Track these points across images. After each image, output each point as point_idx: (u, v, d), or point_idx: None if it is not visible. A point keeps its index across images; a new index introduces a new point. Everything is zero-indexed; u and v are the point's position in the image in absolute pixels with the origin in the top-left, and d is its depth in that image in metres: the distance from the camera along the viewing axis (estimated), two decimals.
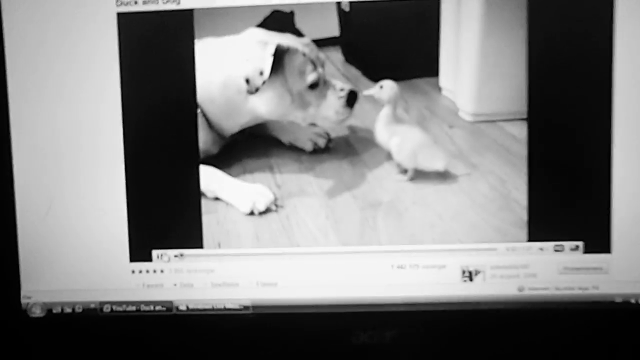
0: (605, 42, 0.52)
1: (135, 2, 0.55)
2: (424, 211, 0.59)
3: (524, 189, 0.55)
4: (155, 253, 0.56)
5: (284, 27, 0.62)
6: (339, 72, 0.72)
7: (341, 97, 0.66)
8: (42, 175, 0.56)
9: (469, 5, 0.62)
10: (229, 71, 0.64)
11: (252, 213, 0.60)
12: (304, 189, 0.63)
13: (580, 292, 0.54)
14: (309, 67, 0.64)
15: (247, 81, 0.62)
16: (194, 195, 0.56)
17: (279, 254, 0.57)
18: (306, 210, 0.60)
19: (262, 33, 0.63)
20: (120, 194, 0.56)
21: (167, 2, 0.55)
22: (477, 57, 0.64)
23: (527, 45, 0.54)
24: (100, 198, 0.56)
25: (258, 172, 0.65)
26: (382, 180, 0.63)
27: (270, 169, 0.66)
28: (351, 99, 0.66)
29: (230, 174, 0.63)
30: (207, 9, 0.55)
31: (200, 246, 0.56)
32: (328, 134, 0.69)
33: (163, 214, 0.56)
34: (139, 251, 0.56)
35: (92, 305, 0.57)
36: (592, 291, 0.54)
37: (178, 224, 0.56)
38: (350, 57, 0.73)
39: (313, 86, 0.65)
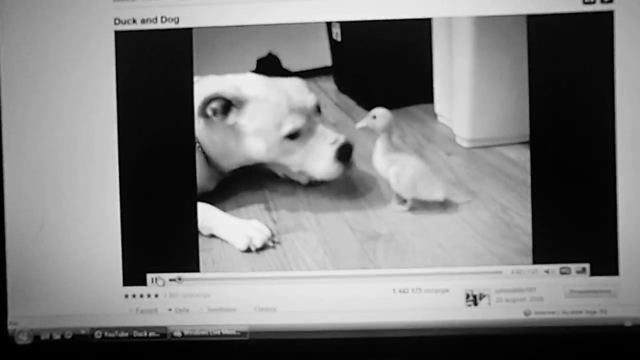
0: (606, 63, 0.52)
1: (134, 21, 0.54)
2: (425, 242, 0.57)
3: (526, 215, 0.54)
4: (149, 277, 0.54)
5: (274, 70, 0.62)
6: (332, 102, 0.71)
7: (331, 151, 0.63)
8: (33, 195, 0.55)
9: (460, 31, 0.62)
10: None
11: (248, 250, 0.59)
12: (300, 223, 0.62)
13: (588, 316, 0.53)
14: (287, 117, 0.62)
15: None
16: (190, 216, 0.55)
17: (277, 278, 0.55)
18: (304, 245, 0.59)
19: (245, 77, 0.62)
20: (114, 215, 0.54)
21: (165, 21, 0.54)
22: (471, 82, 0.64)
23: (528, 69, 0.53)
24: (94, 219, 0.54)
25: (253, 207, 0.64)
26: (381, 212, 0.62)
27: (266, 203, 0.65)
28: (343, 153, 0.63)
29: (224, 209, 0.62)
30: (206, 28, 0.55)
31: (197, 269, 0.55)
32: None
33: (158, 235, 0.55)
34: (133, 275, 0.54)
35: (83, 332, 0.55)
36: (600, 315, 0.53)
37: (173, 246, 0.55)
38: (344, 87, 0.73)
39: (292, 136, 0.62)
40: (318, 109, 0.65)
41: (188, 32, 0.54)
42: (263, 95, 0.62)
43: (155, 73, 0.55)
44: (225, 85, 0.62)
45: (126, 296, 0.55)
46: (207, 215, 0.61)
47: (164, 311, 0.55)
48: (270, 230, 0.60)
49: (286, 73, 0.65)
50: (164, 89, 0.55)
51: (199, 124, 0.61)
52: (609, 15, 0.52)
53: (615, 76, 0.52)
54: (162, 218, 0.55)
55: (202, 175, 0.63)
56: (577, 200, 0.53)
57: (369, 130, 0.63)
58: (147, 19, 0.54)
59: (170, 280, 0.54)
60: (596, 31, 0.52)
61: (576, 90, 0.53)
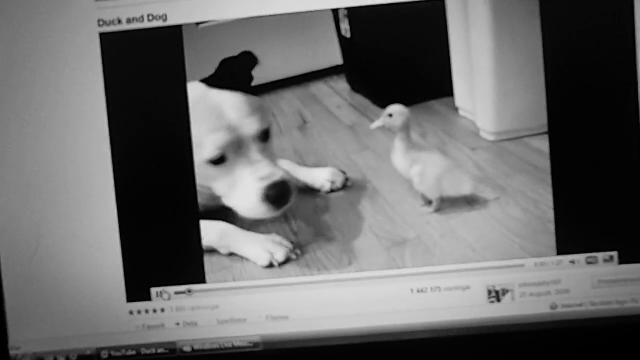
0: (627, 47, 0.49)
1: (119, 22, 0.51)
2: (455, 244, 0.54)
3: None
4: (154, 291, 0.52)
5: (236, 80, 0.56)
6: (346, 103, 0.68)
7: (257, 189, 0.53)
8: (27, 212, 0.52)
9: (477, 18, 0.58)
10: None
11: (271, 265, 0.56)
12: (322, 233, 0.59)
13: (618, 306, 0.50)
14: (208, 137, 0.53)
15: None
16: (194, 224, 0.52)
17: (288, 284, 0.52)
18: (327, 256, 0.56)
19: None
20: (112, 229, 0.52)
21: (152, 19, 0.51)
22: (492, 72, 0.60)
23: (543, 55, 0.50)
24: (91, 234, 0.52)
25: (272, 220, 0.60)
26: (406, 216, 0.59)
27: (285, 214, 0.61)
28: (272, 195, 0.53)
29: (241, 225, 0.59)
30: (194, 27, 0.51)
31: (203, 281, 0.52)
32: (344, 172, 0.63)
33: (160, 247, 0.52)
34: (137, 290, 0.52)
35: (89, 352, 0.52)
36: (631, 305, 0.50)
37: (177, 258, 0.52)
38: (357, 86, 0.69)
39: (216, 162, 0.54)
40: (265, 135, 0.56)
41: (177, 29, 0.51)
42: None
43: (145, 76, 0.51)
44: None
45: (131, 313, 0.52)
46: (224, 233, 0.58)
47: (172, 326, 0.52)
48: (292, 242, 0.57)
49: (248, 81, 0.58)
50: (156, 92, 0.51)
51: None
52: None
53: (637, 51, 0.49)
54: (163, 229, 0.52)
55: (204, 195, 0.58)
56: (601, 186, 0.50)
57: (386, 130, 0.59)
58: (133, 19, 0.51)
59: (177, 293, 0.52)
60: (615, 12, 0.49)
61: (594, 70, 0.49)
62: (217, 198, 0.60)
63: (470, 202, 0.59)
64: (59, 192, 0.52)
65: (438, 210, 0.59)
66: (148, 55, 0.51)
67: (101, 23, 0.51)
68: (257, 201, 0.54)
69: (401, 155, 0.60)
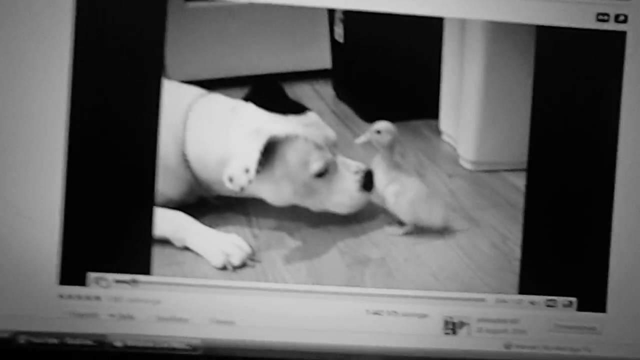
0: (613, 87, 0.49)
1: None
2: (418, 269, 0.53)
3: None
4: (91, 276, 0.47)
5: (279, 100, 0.56)
6: (328, 109, 0.65)
7: (356, 181, 0.57)
8: None
9: (472, 46, 0.58)
10: (226, 150, 0.55)
11: (224, 268, 0.52)
12: (284, 241, 0.56)
13: (571, 353, 0.49)
14: (314, 154, 0.55)
15: (230, 179, 0.53)
16: (145, 209, 0.48)
17: (239, 287, 0.49)
18: (286, 266, 0.53)
19: (259, 117, 0.55)
20: (55, 200, 0.47)
21: None
22: (480, 101, 0.59)
23: (532, 94, 0.50)
24: (30, 203, 0.47)
25: (233, 219, 0.57)
26: (373, 235, 0.57)
27: (247, 216, 0.58)
28: (368, 181, 0.58)
29: (200, 219, 0.55)
30: None
31: (148, 272, 0.48)
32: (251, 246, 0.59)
33: (106, 229, 0.48)
34: (72, 272, 0.47)
35: (5, 335, 0.47)
36: (583, 353, 0.49)
37: (123, 243, 0.48)
38: (342, 93, 0.67)
39: (320, 174, 0.56)
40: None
41: None
42: (294, 134, 0.55)
43: (117, 41, 0.47)
44: (274, 124, 0.55)
45: (61, 296, 0.47)
46: (181, 226, 0.54)
47: (105, 317, 0.47)
48: (250, 246, 0.54)
49: (292, 104, 0.58)
50: (127, 61, 0.47)
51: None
52: (621, 35, 0.49)
53: (621, 102, 0.49)
54: (112, 209, 0.47)
55: (181, 191, 0.57)
56: (569, 232, 0.49)
57: (368, 145, 0.57)
58: None
59: (117, 282, 0.47)
60: (606, 51, 0.49)
61: (579, 119, 0.50)
62: (195, 192, 0.58)
63: (439, 229, 0.57)
64: (2, 152, 0.47)
65: (407, 234, 0.57)
66: (126, 17, 0.47)
67: None
68: (358, 191, 0.57)
69: (380, 173, 0.58)
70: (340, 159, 0.58)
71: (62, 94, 0.47)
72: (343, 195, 0.57)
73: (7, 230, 0.47)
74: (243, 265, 0.52)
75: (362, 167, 0.58)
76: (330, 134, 0.57)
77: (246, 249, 0.53)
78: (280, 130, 0.54)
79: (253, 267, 0.52)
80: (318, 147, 0.55)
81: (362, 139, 0.57)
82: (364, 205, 0.58)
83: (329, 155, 0.56)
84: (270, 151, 0.54)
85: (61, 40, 0.47)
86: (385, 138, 0.57)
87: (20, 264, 0.47)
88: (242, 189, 0.52)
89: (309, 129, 0.56)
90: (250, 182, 0.52)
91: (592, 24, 0.49)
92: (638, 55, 0.49)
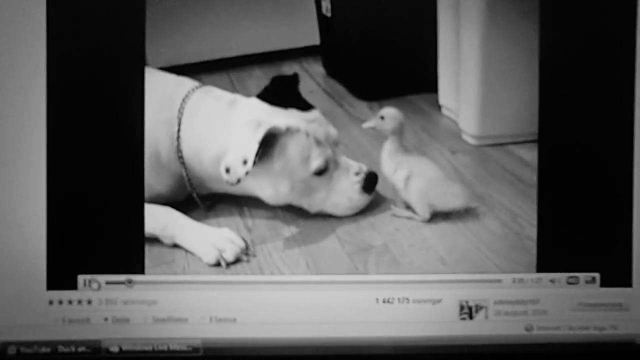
0: (626, 57, 0.46)
1: None
2: (424, 255, 0.50)
3: None
4: (81, 279, 0.45)
5: (287, 97, 0.53)
6: (319, 88, 0.63)
7: (356, 182, 0.55)
8: None
9: (469, 9, 0.55)
10: (223, 144, 0.53)
11: (218, 264, 0.50)
12: (279, 232, 0.53)
13: (596, 332, 0.46)
14: (315, 150, 0.53)
15: (227, 170, 0.50)
16: (135, 205, 0.46)
17: (238, 282, 0.46)
18: (283, 258, 0.50)
19: (259, 109, 0.53)
20: (38, 202, 0.44)
21: None
22: (480, 70, 0.56)
23: (539, 62, 0.47)
24: (14, 206, 0.44)
25: (224, 212, 0.55)
26: (374, 220, 0.54)
27: (239, 208, 0.56)
28: (369, 183, 0.55)
29: (190, 215, 0.53)
30: None
31: (141, 271, 0.45)
32: (245, 240, 0.57)
33: (94, 228, 0.45)
34: (61, 276, 0.45)
35: None
36: (609, 331, 0.46)
37: (113, 243, 0.45)
38: (333, 70, 0.64)
39: (320, 172, 0.54)
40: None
41: None
42: (295, 127, 0.53)
43: (95, 41, 0.45)
44: (275, 116, 0.52)
45: (50, 302, 0.45)
46: (169, 222, 0.52)
47: (98, 321, 0.45)
48: (244, 240, 0.51)
49: (298, 100, 0.55)
50: (108, 52, 0.45)
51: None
52: None
53: (636, 57, 0.46)
54: (100, 209, 0.45)
55: (172, 187, 0.55)
56: (588, 204, 0.46)
57: (375, 132, 0.55)
58: None
59: (108, 283, 0.45)
60: (616, 13, 0.46)
61: (592, 74, 0.46)
62: (186, 190, 0.56)
63: (460, 211, 0.54)
64: None
65: (428, 220, 0.54)
66: (100, 16, 0.45)
67: None
68: (358, 193, 0.55)
69: (387, 157, 0.55)
70: (342, 159, 0.56)
71: (41, 93, 0.45)
72: (342, 196, 0.55)
73: None
74: (237, 260, 0.50)
75: (365, 168, 0.56)
76: (333, 132, 0.55)
77: (240, 243, 0.51)
78: (282, 122, 0.52)
79: (248, 262, 0.50)
80: (319, 143, 0.53)
81: (367, 124, 0.55)
82: (363, 207, 0.56)
83: (330, 153, 0.54)
84: (269, 144, 0.52)
85: (36, 38, 0.44)
86: (390, 124, 0.54)
87: (7, 270, 0.45)
88: (238, 180, 0.50)
89: (311, 124, 0.54)
90: (247, 173, 0.50)
91: None
92: None
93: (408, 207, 0.55)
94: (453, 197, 0.54)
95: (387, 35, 0.54)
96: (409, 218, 0.54)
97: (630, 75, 0.46)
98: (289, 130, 0.52)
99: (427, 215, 0.54)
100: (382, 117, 0.54)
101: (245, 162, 0.50)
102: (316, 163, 0.53)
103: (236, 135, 0.52)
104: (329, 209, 0.55)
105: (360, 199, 0.55)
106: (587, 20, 0.46)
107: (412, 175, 0.54)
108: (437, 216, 0.54)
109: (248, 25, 0.56)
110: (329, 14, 0.55)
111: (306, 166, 0.53)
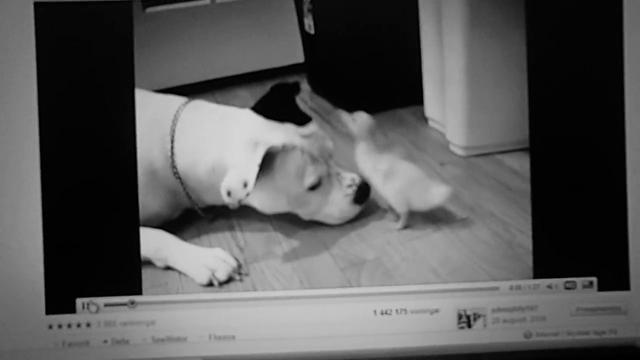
0: (614, 53, 0.46)
1: None
2: (417, 267, 0.50)
3: (530, 232, 0.47)
4: (80, 302, 0.45)
5: (284, 107, 0.53)
6: (305, 105, 0.63)
7: (348, 195, 0.56)
8: None
9: (451, 20, 0.54)
10: (218, 157, 0.53)
11: (210, 284, 0.50)
12: (272, 250, 0.53)
13: (596, 336, 0.46)
14: (309, 167, 0.54)
15: (229, 193, 0.51)
16: (131, 228, 0.46)
17: (236, 299, 0.46)
18: (276, 275, 0.50)
19: (255, 125, 0.53)
20: (34, 226, 0.45)
21: None
22: (465, 81, 0.56)
23: (527, 67, 0.47)
24: (10, 231, 0.44)
25: (216, 231, 0.55)
26: (366, 235, 0.54)
27: (231, 227, 0.56)
28: (361, 195, 0.56)
29: (182, 236, 0.53)
30: None
31: (139, 292, 0.45)
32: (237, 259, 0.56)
33: (90, 251, 0.45)
34: (59, 300, 0.45)
35: None
36: (609, 335, 0.46)
37: (109, 264, 0.45)
38: (319, 87, 0.64)
39: (314, 187, 0.54)
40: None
41: (127, 5, 0.45)
42: (291, 144, 0.53)
43: (86, 57, 0.45)
44: (272, 133, 0.53)
45: (50, 327, 0.45)
46: (162, 244, 0.52)
47: (98, 343, 0.45)
48: (237, 259, 0.52)
49: (295, 113, 0.55)
50: (96, 78, 0.45)
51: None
52: None
53: (624, 61, 0.46)
54: (96, 231, 0.45)
55: (169, 204, 0.55)
56: (582, 208, 0.46)
57: (347, 138, 0.54)
58: None
59: (107, 305, 0.45)
60: (602, 8, 0.46)
61: (581, 79, 0.46)
62: (182, 205, 0.56)
63: (435, 221, 0.54)
64: None
65: (406, 227, 0.54)
66: (90, 35, 0.45)
67: None
68: (350, 204, 0.56)
69: (364, 156, 0.56)
70: (335, 170, 0.56)
71: (33, 118, 0.45)
72: (334, 207, 0.56)
73: None
74: (230, 279, 0.50)
75: (357, 180, 0.56)
76: (328, 144, 0.56)
77: (232, 263, 0.51)
78: (277, 140, 0.52)
79: (241, 280, 0.50)
80: (314, 159, 0.54)
81: (343, 116, 0.56)
82: (354, 217, 0.56)
83: (323, 168, 0.55)
84: (266, 161, 0.52)
85: (26, 64, 0.45)
86: (357, 127, 0.55)
87: (6, 296, 0.45)
88: (240, 202, 0.50)
89: (306, 140, 0.54)
90: (248, 195, 0.50)
91: None
92: (637, 10, 0.46)
93: (393, 212, 0.55)
94: (432, 193, 0.54)
95: (371, 50, 0.54)
96: (398, 229, 0.54)
97: (620, 79, 0.46)
98: (284, 148, 0.53)
99: (405, 209, 0.54)
100: (354, 120, 0.55)
101: (246, 185, 0.50)
102: (310, 180, 0.54)
103: (234, 153, 0.52)
104: (321, 218, 0.56)
105: (351, 210, 0.56)
106: (574, 24, 0.46)
107: (391, 172, 0.54)
108: (426, 225, 0.54)
109: (232, 46, 0.56)
110: (312, 31, 0.55)
111: (301, 182, 0.54)
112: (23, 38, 0.45)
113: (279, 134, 0.53)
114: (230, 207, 0.51)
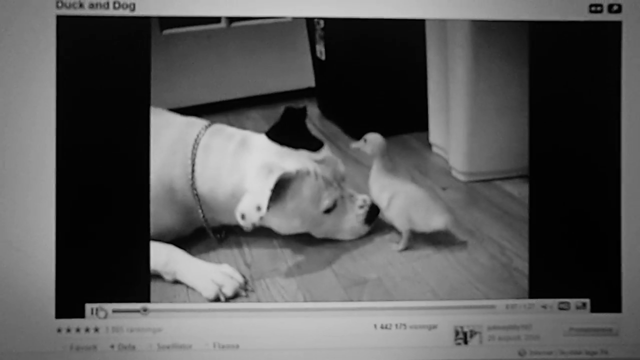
0: (612, 81, 0.48)
1: (81, 5, 0.46)
2: (417, 287, 0.51)
3: (526, 256, 0.48)
4: (89, 307, 0.46)
5: (296, 133, 0.55)
6: (315, 128, 0.64)
7: (359, 215, 0.58)
8: None
9: (456, 51, 0.56)
10: (238, 183, 0.55)
11: (217, 299, 0.51)
12: (277, 267, 0.55)
13: (587, 357, 0.47)
14: (324, 192, 0.56)
15: (243, 217, 0.52)
16: (141, 235, 0.47)
17: (241, 310, 0.48)
18: (280, 292, 0.52)
19: (270, 152, 0.55)
20: (48, 232, 0.46)
21: (118, 7, 0.46)
22: (468, 109, 0.58)
23: (529, 98, 0.48)
24: (23, 237, 0.46)
25: (224, 249, 0.57)
26: (369, 255, 0.56)
27: (238, 244, 0.58)
28: (371, 215, 0.59)
29: (191, 251, 0.55)
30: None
31: (147, 299, 0.47)
32: (244, 276, 0.58)
33: (101, 258, 0.46)
34: (69, 304, 0.46)
35: None
36: (600, 356, 0.48)
37: (119, 271, 0.47)
38: (328, 112, 0.66)
39: (329, 210, 0.57)
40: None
41: (145, 21, 0.47)
42: (305, 170, 0.55)
43: (104, 70, 0.47)
44: (286, 160, 0.55)
45: (59, 330, 0.46)
46: (171, 259, 0.53)
47: (105, 348, 0.46)
48: (243, 276, 0.53)
49: (308, 139, 0.57)
50: (114, 90, 0.47)
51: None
52: (617, 26, 0.48)
53: (621, 95, 0.48)
54: (107, 239, 0.46)
55: (184, 221, 0.57)
56: (577, 233, 0.48)
57: (357, 161, 0.56)
58: (97, 4, 0.46)
59: (115, 311, 0.46)
60: (602, 43, 0.48)
61: (580, 112, 0.48)
62: (196, 223, 0.58)
63: (435, 243, 0.56)
64: None
65: (406, 248, 0.56)
66: (109, 47, 0.46)
67: (60, 4, 0.46)
68: (361, 224, 0.59)
69: (374, 180, 0.58)
70: (348, 192, 0.59)
71: (51, 129, 0.46)
72: (346, 224, 0.58)
73: (4, 265, 0.46)
74: (236, 295, 0.51)
75: (368, 201, 0.59)
76: (340, 168, 0.58)
77: (239, 279, 0.52)
78: (291, 166, 0.54)
79: (247, 296, 0.51)
80: (328, 183, 0.56)
81: (354, 145, 0.58)
82: (363, 235, 0.58)
83: (337, 192, 0.57)
84: (281, 186, 0.53)
85: (45, 84, 0.46)
86: (369, 147, 0.57)
87: (17, 299, 0.46)
88: (253, 225, 0.52)
89: (319, 165, 0.56)
90: (261, 218, 0.51)
91: (585, 16, 0.48)
92: (635, 45, 0.48)
93: (394, 229, 0.57)
94: (435, 216, 0.55)
95: (379, 78, 0.56)
96: (400, 250, 0.56)
97: (617, 110, 0.48)
98: (299, 174, 0.54)
99: (407, 228, 0.56)
100: (365, 140, 0.57)
101: (259, 209, 0.51)
102: (326, 203, 0.56)
103: (249, 178, 0.54)
104: (334, 235, 0.58)
105: (362, 229, 0.58)
106: (576, 55, 0.48)
107: (396, 194, 0.57)
108: (427, 246, 0.55)
109: (246, 69, 0.57)
110: (323, 57, 0.57)
111: (316, 206, 0.56)
112: (44, 49, 0.46)
113: (292, 160, 0.55)
114: (245, 229, 0.52)
